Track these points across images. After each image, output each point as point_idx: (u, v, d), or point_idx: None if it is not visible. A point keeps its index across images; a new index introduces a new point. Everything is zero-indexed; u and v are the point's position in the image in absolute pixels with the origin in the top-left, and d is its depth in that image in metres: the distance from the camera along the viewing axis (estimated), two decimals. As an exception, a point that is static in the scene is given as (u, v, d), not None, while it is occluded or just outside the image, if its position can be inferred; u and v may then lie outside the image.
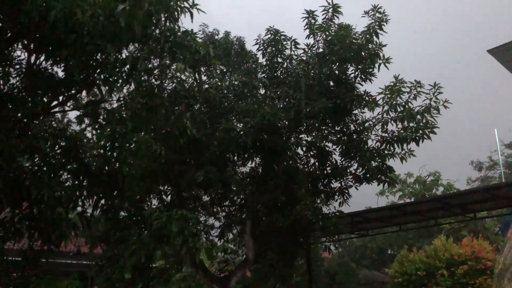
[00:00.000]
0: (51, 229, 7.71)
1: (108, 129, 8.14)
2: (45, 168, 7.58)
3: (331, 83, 11.96)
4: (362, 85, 12.10)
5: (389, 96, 11.44)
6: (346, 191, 12.92)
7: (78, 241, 18.06)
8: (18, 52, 7.88)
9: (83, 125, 10.31)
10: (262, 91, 12.68)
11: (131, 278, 15.93)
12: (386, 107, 11.60)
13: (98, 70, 7.56)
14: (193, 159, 11.67)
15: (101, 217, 10.65)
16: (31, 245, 7.78)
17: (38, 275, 7.57)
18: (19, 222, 7.75)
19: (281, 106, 11.65)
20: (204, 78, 13.39)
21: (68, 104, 8.82)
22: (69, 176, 8.31)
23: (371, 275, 33.01)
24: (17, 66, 7.95)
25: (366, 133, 12.30)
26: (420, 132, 11.30)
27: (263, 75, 13.01)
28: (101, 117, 8.61)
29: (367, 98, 11.90)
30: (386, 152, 11.98)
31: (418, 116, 11.30)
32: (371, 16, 11.50)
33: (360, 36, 11.47)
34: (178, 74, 11.15)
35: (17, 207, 7.56)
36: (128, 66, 7.83)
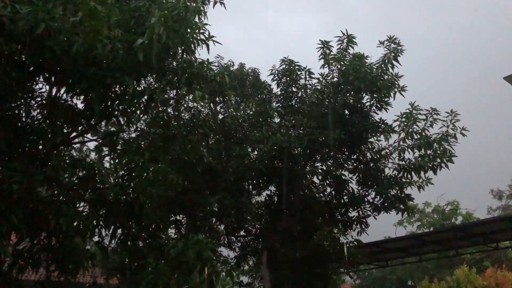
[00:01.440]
0: (68, 259, 7.73)
1: (125, 159, 8.26)
2: (63, 198, 7.69)
3: (346, 112, 11.99)
4: (377, 113, 12.09)
5: (405, 123, 11.40)
6: (364, 220, 12.73)
7: (94, 272, 18.04)
8: (40, 85, 8.11)
9: (101, 155, 10.51)
10: (276, 120, 12.76)
11: (146, 310, 15.76)
12: (402, 135, 11.54)
13: (117, 102, 7.75)
14: (208, 187, 11.68)
15: (118, 247, 10.69)
16: (48, 275, 7.79)
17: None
18: (37, 252, 7.80)
19: (295, 134, 11.67)
20: (219, 108, 13.57)
21: (87, 135, 9.01)
22: (86, 205, 8.40)
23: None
24: (38, 99, 8.17)
25: (383, 161, 12.20)
26: (438, 160, 11.17)
27: (277, 104, 13.12)
28: (119, 147, 8.75)
29: (382, 126, 11.86)
30: (403, 180, 11.83)
31: (435, 144, 11.19)
32: (387, 47, 11.58)
33: (375, 67, 11.52)
34: (194, 104, 11.33)
35: (35, 237, 7.63)
36: (145, 97, 8.01)
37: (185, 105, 11.77)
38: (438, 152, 11.21)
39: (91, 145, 10.95)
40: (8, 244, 6.94)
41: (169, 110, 10.05)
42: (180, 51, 7.92)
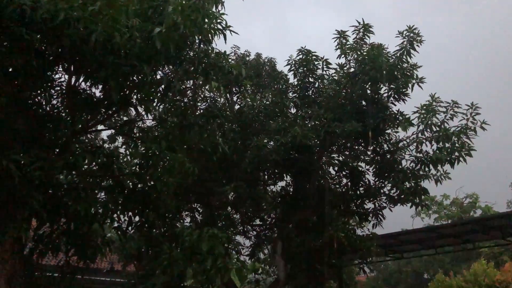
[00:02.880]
0: (87, 244, 7.92)
1: (143, 148, 8.39)
2: (82, 185, 7.85)
3: (363, 103, 11.88)
4: (395, 104, 11.94)
5: (424, 115, 11.24)
6: (380, 212, 12.67)
7: (112, 258, 18.36)
8: (59, 75, 8.26)
9: (118, 143, 10.66)
10: (293, 111, 12.73)
11: (162, 297, 16.03)
12: (421, 127, 11.38)
13: (135, 91, 7.85)
14: (224, 176, 11.76)
15: (134, 234, 10.88)
16: (67, 260, 7.99)
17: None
18: (56, 238, 8.01)
19: (312, 126, 11.63)
20: (235, 98, 13.59)
21: (106, 123, 9.15)
22: (104, 192, 8.57)
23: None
24: (58, 88, 8.32)
25: (399, 153, 12.09)
26: (456, 153, 11.01)
27: (294, 95, 13.07)
28: (136, 136, 8.87)
29: (400, 118, 11.73)
30: (420, 173, 11.72)
31: (454, 137, 11.03)
32: (406, 36, 11.40)
33: (393, 56, 11.38)
34: (211, 94, 11.39)
35: (55, 223, 7.82)
36: (163, 86, 8.09)
37: (202, 95, 11.84)
38: (457, 145, 11.03)
39: (110, 133, 11.11)
40: (29, 228, 7.12)
41: (186, 99, 10.16)
42: (197, 41, 7.95)
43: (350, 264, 14.85)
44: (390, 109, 11.88)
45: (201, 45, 7.97)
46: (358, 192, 12.71)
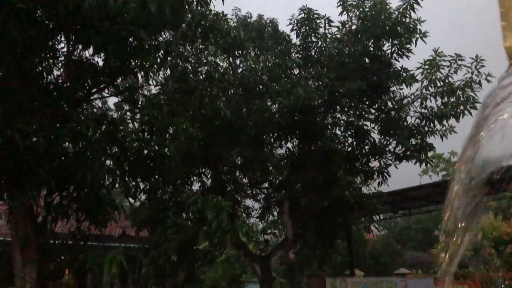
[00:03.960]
0: (97, 210, 8.12)
1: (146, 114, 8.46)
2: (88, 153, 7.99)
3: (367, 60, 11.75)
4: (398, 61, 11.80)
5: (428, 70, 11.12)
6: (385, 170, 12.73)
7: (124, 224, 18.81)
8: (62, 44, 8.27)
9: (123, 111, 10.75)
10: (296, 72, 12.64)
11: (176, 260, 16.50)
12: (425, 82, 11.29)
13: (134, 57, 7.84)
14: (229, 141, 11.84)
15: (144, 200, 11.11)
16: (79, 226, 8.23)
17: (85, 254, 8.01)
18: (67, 205, 8.22)
19: (315, 86, 11.57)
20: (238, 61, 13.49)
21: (108, 91, 9.20)
22: (110, 160, 8.70)
23: (417, 256, 32.49)
24: (61, 58, 8.35)
25: (404, 110, 12.03)
26: (461, 107, 10.94)
27: (297, 55, 12.94)
28: (140, 103, 8.92)
29: (404, 74, 11.61)
30: (425, 129, 11.69)
31: (459, 91, 10.93)
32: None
33: (396, 12, 11.16)
34: (212, 58, 11.31)
35: (64, 190, 8.01)
36: (161, 51, 8.07)
37: (204, 59, 11.78)
38: (462, 99, 10.96)
39: (112, 101, 11.20)
40: (38, 196, 7.31)
41: (187, 65, 10.12)
42: (194, 3, 7.87)
43: (357, 223, 15.04)
44: (394, 66, 11.76)
45: (198, 7, 7.89)
46: (363, 151, 12.74)
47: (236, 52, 13.05)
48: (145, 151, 8.59)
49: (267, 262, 13.12)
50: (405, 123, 11.91)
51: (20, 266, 6.94)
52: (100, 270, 7.83)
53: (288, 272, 23.61)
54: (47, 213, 7.92)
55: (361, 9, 11.36)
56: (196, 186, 13.85)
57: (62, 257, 7.97)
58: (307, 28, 12.40)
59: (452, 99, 11.05)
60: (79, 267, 16.33)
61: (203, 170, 13.84)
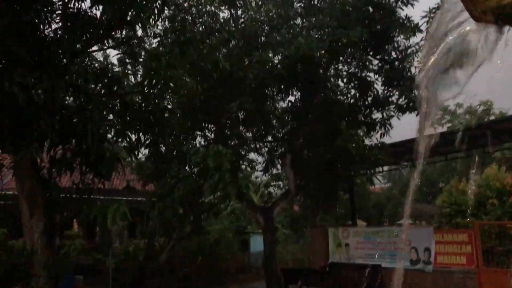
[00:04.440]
0: (100, 163, 8.24)
1: (145, 66, 8.40)
2: (89, 106, 8.01)
3: (370, 9, 11.44)
4: (402, 9, 11.48)
5: (433, 19, 10.84)
6: (388, 122, 12.70)
7: (129, 177, 19.10)
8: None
9: (125, 66, 10.68)
10: (298, 21, 12.37)
11: (182, 213, 16.89)
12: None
13: (130, 8, 7.70)
14: (230, 94, 11.79)
15: (148, 154, 11.21)
16: (82, 178, 8.38)
17: (90, 205, 8.19)
18: (71, 158, 8.34)
19: (317, 36, 11.34)
20: (240, 12, 13.20)
21: (107, 44, 9.10)
22: (111, 113, 8.75)
23: (421, 208, 32.89)
24: (59, 12, 8.21)
25: (408, 60, 11.85)
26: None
27: (299, 4, 12.61)
28: (142, 58, 8.83)
29: (408, 24, 11.33)
30: (429, 79, 11.54)
31: (465, 40, 10.69)
32: None
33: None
34: (212, 8, 11.09)
35: (66, 144, 8.11)
36: (159, 1, 7.92)
37: (203, 10, 11.54)
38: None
39: (117, 56, 11.07)
40: (41, 149, 7.40)
41: (187, 16, 9.94)
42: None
43: (360, 175, 15.15)
44: (398, 14, 11.46)
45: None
46: (366, 103, 12.67)
47: (237, 3, 12.77)
48: (145, 105, 8.61)
49: (270, 213, 13.38)
50: (409, 74, 11.76)
51: (28, 217, 7.15)
52: (104, 220, 7.99)
53: (293, 224, 24.13)
54: (51, 166, 8.05)
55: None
56: (199, 141, 13.94)
57: (68, 209, 8.16)
58: (310, -26, 12.03)
59: (457, 48, 10.83)
60: (86, 218, 16.79)
61: (205, 124, 13.87)
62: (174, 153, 10.77)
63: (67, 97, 7.92)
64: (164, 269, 16.23)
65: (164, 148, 11.85)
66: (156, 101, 8.30)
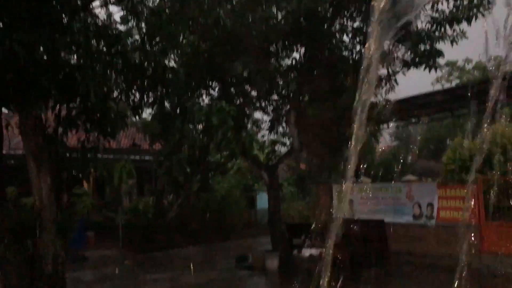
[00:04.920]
0: (104, 121, 8.33)
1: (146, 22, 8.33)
2: (91, 64, 8.02)
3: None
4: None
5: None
6: (393, 77, 12.58)
7: (135, 136, 19.31)
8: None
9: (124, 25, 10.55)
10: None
11: (190, 171, 17.18)
12: (438, -17, 10.75)
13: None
14: (233, 52, 11.68)
15: (153, 112, 11.26)
16: (87, 137, 8.49)
17: (96, 162, 8.35)
18: (75, 117, 8.43)
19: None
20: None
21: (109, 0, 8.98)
22: (114, 72, 8.74)
23: (428, 165, 32.98)
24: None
25: (415, 14, 11.57)
26: (474, 10, 10.49)
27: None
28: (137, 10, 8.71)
29: (416, -25, 10.99)
30: (436, 34, 11.32)
31: (473, -8, 10.42)
32: None
33: None
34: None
35: (70, 102, 8.18)
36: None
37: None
38: (475, 1, 10.49)
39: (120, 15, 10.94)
40: (45, 107, 7.49)
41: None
42: None
43: (365, 132, 15.14)
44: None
45: None
46: (371, 58, 12.49)
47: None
48: (147, 62, 8.58)
49: (274, 170, 13.54)
50: (415, 28, 11.54)
51: (35, 175, 7.31)
52: (110, 177, 8.18)
53: (299, 182, 24.44)
54: (57, 124, 8.15)
55: None
56: (203, 99, 13.94)
57: (74, 167, 8.33)
58: None
59: (465, 2, 10.59)
60: (94, 176, 17.09)
61: (209, 82, 13.83)
62: (178, 111, 10.81)
63: (69, 55, 7.90)
64: (173, 225, 16.68)
65: (169, 106, 11.90)
66: (157, 59, 8.27)
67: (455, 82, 27.57)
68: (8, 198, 11.41)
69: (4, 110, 9.15)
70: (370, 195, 14.00)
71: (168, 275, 10.93)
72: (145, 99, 9.02)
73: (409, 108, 14.37)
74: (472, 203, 11.62)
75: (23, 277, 6.81)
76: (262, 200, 21.22)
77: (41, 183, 7.25)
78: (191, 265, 12.25)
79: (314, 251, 11.06)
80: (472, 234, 11.53)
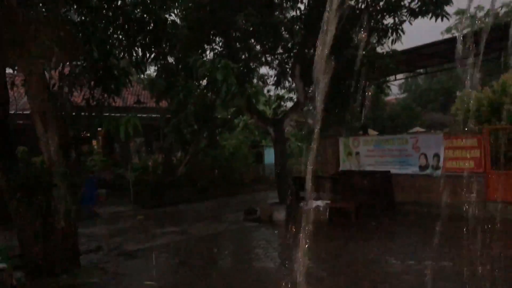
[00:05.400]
0: (107, 78, 8.35)
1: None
2: (91, 21, 7.95)
3: None
4: None
5: None
6: (400, 27, 12.30)
7: (139, 93, 19.33)
8: None
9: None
10: None
11: (197, 128, 17.27)
12: None
13: None
14: (236, 4, 11.43)
15: (157, 68, 11.21)
16: (92, 93, 8.54)
17: (101, 119, 8.43)
18: (79, 74, 8.46)
19: None
20: None
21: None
22: (116, 28, 8.67)
23: (436, 117, 32.79)
24: None
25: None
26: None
27: None
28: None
29: None
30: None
31: None
32: None
33: None
34: None
35: (73, 60, 8.18)
36: None
37: None
38: None
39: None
40: (49, 65, 7.51)
41: None
42: None
43: (372, 83, 15.01)
44: None
45: None
46: (377, 7, 12.19)
47: None
48: (148, 17, 8.48)
49: (280, 125, 13.56)
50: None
51: (42, 132, 7.42)
52: (116, 132, 8.26)
53: (307, 137, 24.50)
54: (61, 82, 8.19)
55: None
56: (207, 54, 13.80)
57: (80, 124, 8.43)
58: None
59: None
60: (99, 134, 17.23)
61: (213, 37, 13.64)
62: (180, 67, 10.74)
63: (69, 12, 7.82)
64: (182, 181, 16.96)
65: (173, 62, 11.83)
66: (158, 13, 8.17)
67: (465, 31, 26.85)
68: (19, 157, 11.66)
69: (9, 70, 9.21)
70: (377, 147, 14.04)
71: (179, 228, 11.25)
72: (148, 56, 8.97)
73: (416, 58, 14.13)
74: (478, 152, 11.63)
75: (37, 231, 7.07)
76: (270, 155, 21.41)
77: (49, 141, 7.37)
78: (201, 219, 12.57)
79: (320, 203, 11.26)
80: (478, 183, 11.62)
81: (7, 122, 8.19)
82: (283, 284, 6.06)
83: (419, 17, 11.72)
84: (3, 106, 8.31)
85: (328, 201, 11.58)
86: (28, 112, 8.37)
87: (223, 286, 6.53)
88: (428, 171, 12.65)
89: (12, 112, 9.16)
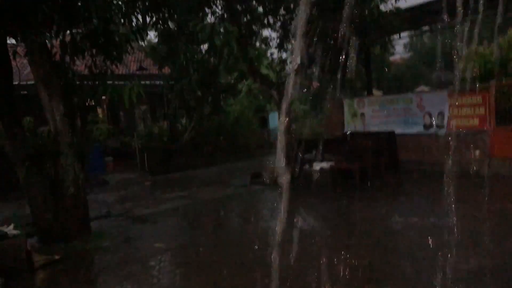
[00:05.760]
0: (108, 44, 8.31)
1: None
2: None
3: None
4: None
5: None
6: (404, -17, 12.02)
7: (141, 60, 19.22)
8: None
9: None
10: None
11: (201, 94, 17.25)
12: None
13: None
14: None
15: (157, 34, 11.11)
16: (94, 61, 8.53)
17: (105, 86, 8.46)
18: (80, 42, 8.42)
19: None
20: None
21: None
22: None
23: (444, 76, 32.42)
24: None
25: None
26: None
27: None
28: None
29: None
30: None
31: None
32: None
33: None
34: None
35: (74, 28, 8.12)
36: None
37: None
38: None
39: None
40: (50, 33, 7.47)
41: None
42: None
43: (375, 43, 14.81)
44: None
45: None
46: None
47: None
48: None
49: (283, 87, 13.49)
50: None
51: (47, 101, 7.48)
52: (120, 99, 8.30)
53: (312, 100, 24.42)
54: (63, 50, 8.18)
55: None
56: (208, 18, 13.62)
57: (84, 92, 8.46)
58: None
59: None
60: (103, 102, 17.29)
61: (214, 0, 13.41)
62: (181, 31, 10.63)
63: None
64: (188, 147, 17.11)
65: (174, 27, 11.71)
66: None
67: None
68: (25, 127, 11.78)
69: (10, 40, 9.17)
70: (382, 108, 14.00)
71: (186, 193, 11.45)
72: (148, 21, 8.89)
73: (420, 15, 13.84)
74: (483, 110, 11.58)
75: (47, 198, 7.24)
76: (274, 120, 21.44)
77: (54, 110, 7.44)
78: (208, 184, 12.76)
79: (324, 165, 11.35)
80: (482, 141, 11.62)
81: (12, 93, 8.23)
82: (288, 241, 6.23)
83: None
84: (7, 76, 8.34)
85: (333, 163, 11.67)
86: (32, 82, 8.41)
87: (231, 246, 6.72)
88: (432, 130, 12.64)
89: (16, 82, 9.18)
